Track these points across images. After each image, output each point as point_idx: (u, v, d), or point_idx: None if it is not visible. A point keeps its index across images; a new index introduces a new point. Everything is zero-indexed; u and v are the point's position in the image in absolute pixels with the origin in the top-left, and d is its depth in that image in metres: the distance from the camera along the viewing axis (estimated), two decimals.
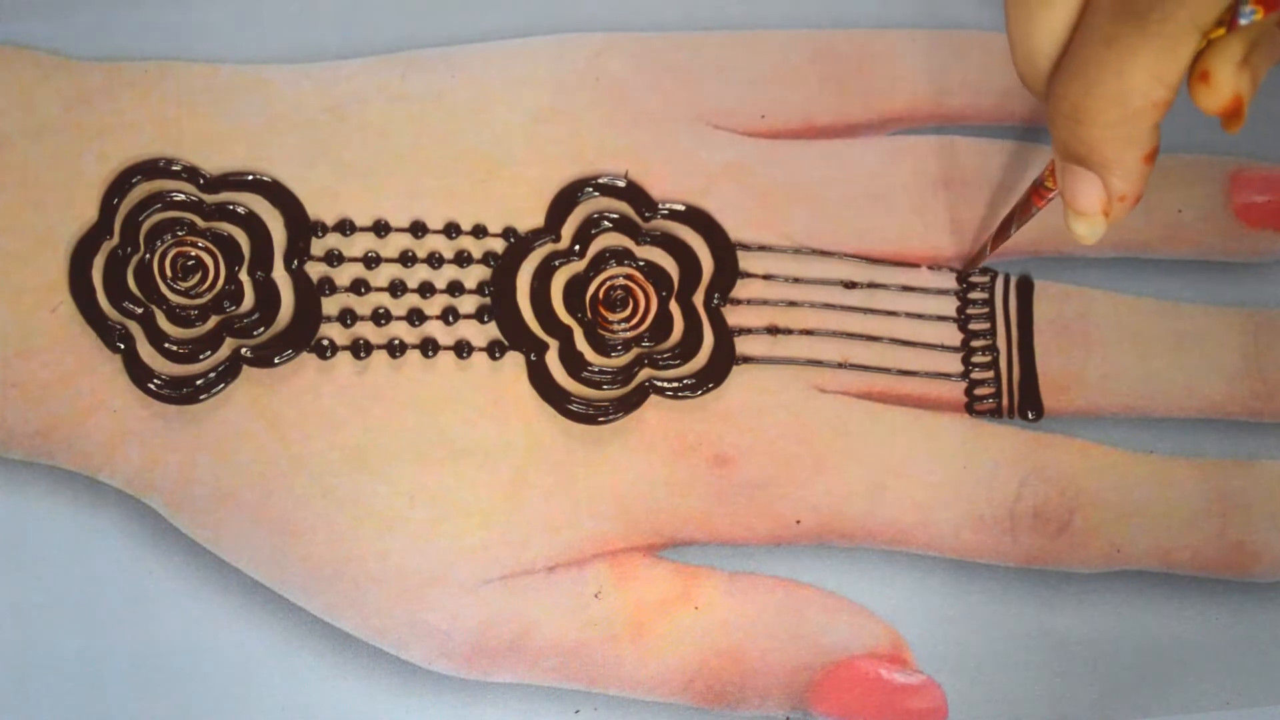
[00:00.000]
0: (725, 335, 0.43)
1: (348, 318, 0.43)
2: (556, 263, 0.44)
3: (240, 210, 0.44)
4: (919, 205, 0.45)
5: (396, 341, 0.43)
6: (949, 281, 0.45)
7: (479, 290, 0.44)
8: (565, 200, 0.44)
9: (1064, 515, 0.43)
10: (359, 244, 0.44)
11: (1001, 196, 0.45)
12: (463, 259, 0.44)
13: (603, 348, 0.43)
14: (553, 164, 0.45)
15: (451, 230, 0.44)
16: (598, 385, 0.43)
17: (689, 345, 0.43)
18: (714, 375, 0.43)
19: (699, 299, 0.44)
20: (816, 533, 0.42)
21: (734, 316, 0.44)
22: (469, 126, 0.45)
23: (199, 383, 0.42)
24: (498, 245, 0.44)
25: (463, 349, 0.43)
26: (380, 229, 0.44)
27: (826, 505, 0.42)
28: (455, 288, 0.44)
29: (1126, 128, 0.32)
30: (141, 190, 0.44)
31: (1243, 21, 0.30)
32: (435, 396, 0.43)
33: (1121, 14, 0.31)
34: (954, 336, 0.44)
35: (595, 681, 0.41)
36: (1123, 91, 0.31)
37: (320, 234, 0.44)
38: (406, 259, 0.44)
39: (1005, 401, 0.44)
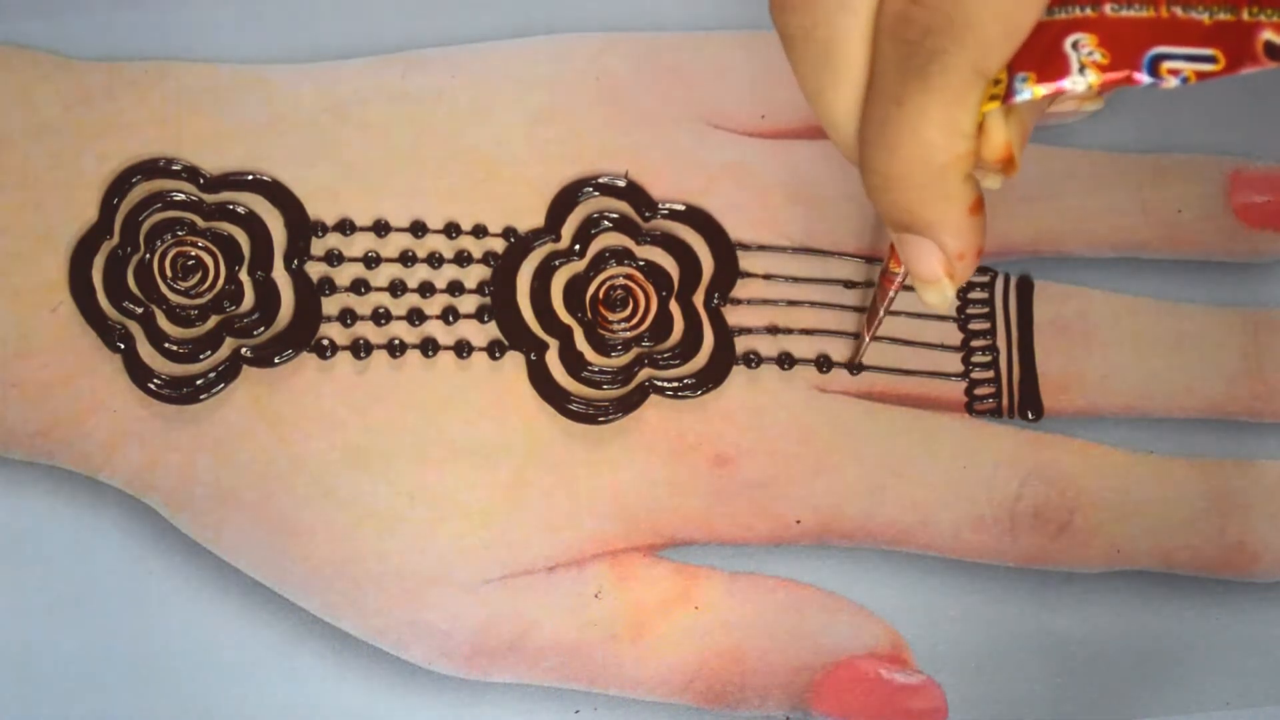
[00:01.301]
0: (725, 335, 0.44)
1: (348, 318, 0.43)
2: (556, 262, 0.44)
3: (240, 210, 0.44)
4: None
5: (396, 341, 0.43)
6: None
7: (479, 290, 0.44)
8: (565, 200, 0.44)
9: (1064, 515, 0.43)
10: (359, 244, 0.44)
11: (1000, 196, 0.45)
12: (463, 259, 0.44)
13: (603, 347, 0.43)
14: (553, 164, 0.45)
15: (451, 230, 0.44)
16: (598, 385, 0.43)
17: (689, 345, 0.43)
18: (714, 375, 0.43)
19: (699, 299, 0.44)
20: (817, 533, 0.42)
21: (734, 316, 0.44)
22: (469, 126, 0.45)
23: (199, 383, 0.42)
24: (498, 245, 0.44)
25: (463, 349, 0.43)
26: (380, 229, 0.44)
27: (826, 505, 0.42)
28: (455, 287, 0.44)
29: (938, 186, 0.31)
30: (141, 190, 0.44)
31: (1018, 99, 0.29)
32: (435, 396, 0.43)
33: (904, 73, 0.30)
34: (954, 336, 0.44)
35: (595, 681, 0.41)
36: (923, 150, 0.30)
37: (320, 234, 0.44)
38: (406, 259, 0.44)
39: (1005, 401, 0.44)
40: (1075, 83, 0.29)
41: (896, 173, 0.31)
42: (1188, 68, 0.29)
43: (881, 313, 0.40)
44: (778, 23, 0.32)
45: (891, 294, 0.39)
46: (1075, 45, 0.29)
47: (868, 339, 0.42)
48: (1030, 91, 0.29)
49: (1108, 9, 0.29)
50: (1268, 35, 0.28)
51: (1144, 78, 0.29)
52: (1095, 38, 0.29)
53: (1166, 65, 0.29)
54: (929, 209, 0.31)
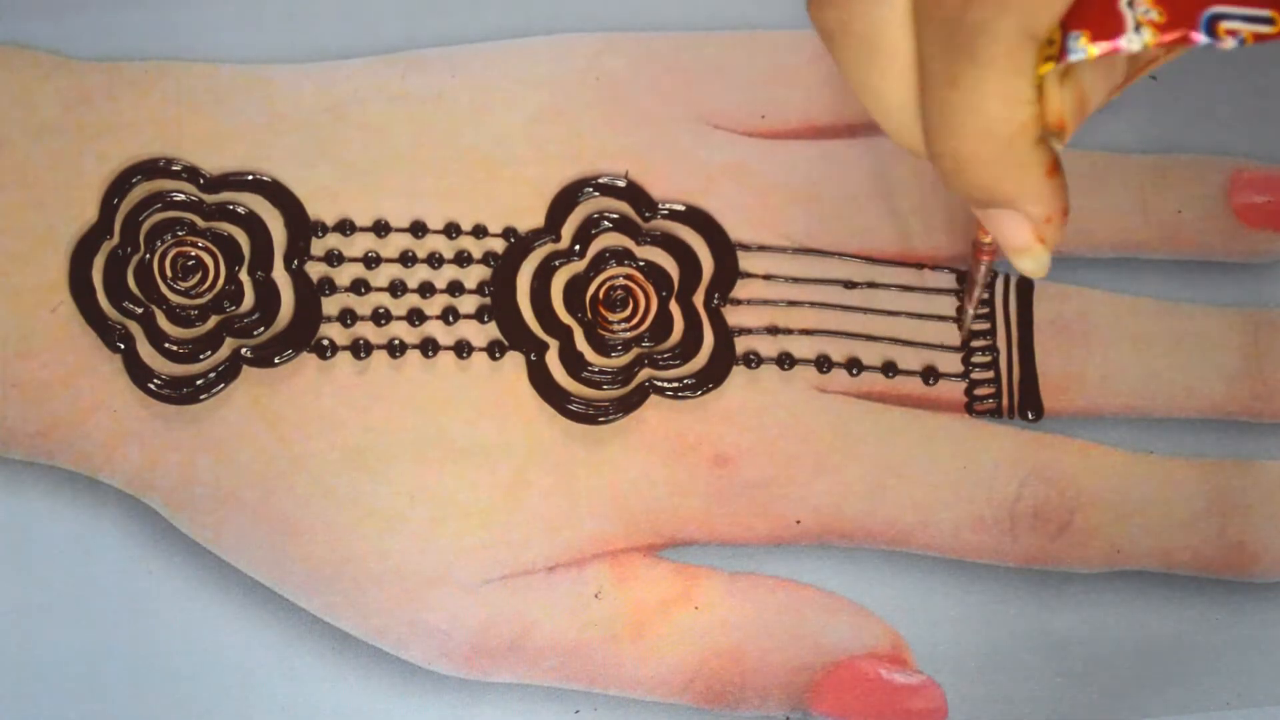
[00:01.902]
0: (725, 335, 0.43)
1: (348, 318, 0.43)
2: (556, 263, 0.44)
3: (240, 210, 0.44)
4: (919, 205, 0.45)
5: (396, 341, 0.43)
6: (949, 281, 0.45)
7: (479, 290, 0.44)
8: (565, 200, 0.44)
9: (1064, 515, 0.42)
10: (359, 244, 0.44)
11: None
12: (463, 259, 0.44)
13: (603, 348, 0.43)
14: (553, 164, 0.45)
15: (451, 230, 0.44)
16: (598, 385, 0.43)
17: (689, 345, 0.43)
18: (714, 375, 0.43)
19: (699, 299, 0.44)
20: (816, 533, 0.42)
21: (734, 316, 0.44)
22: (469, 126, 0.45)
23: (199, 383, 0.42)
24: (498, 245, 0.44)
25: (463, 349, 0.43)
26: (380, 229, 0.44)
27: (826, 505, 0.42)
28: (455, 288, 0.44)
29: (1010, 157, 0.30)
30: (141, 190, 0.44)
31: (1072, 59, 0.29)
32: (435, 396, 0.43)
33: (951, 52, 0.29)
34: (954, 336, 0.44)
35: (595, 682, 0.41)
36: (987, 126, 0.29)
37: (320, 234, 0.44)
38: (406, 259, 0.44)
39: (1005, 402, 0.44)
40: (1131, 41, 0.28)
41: (966, 153, 0.30)
42: (1245, 28, 0.28)
43: (979, 285, 0.41)
44: (815, 20, 0.31)
45: (985, 265, 0.39)
46: (1131, 3, 0.29)
47: (971, 311, 0.42)
48: (1084, 51, 0.29)
49: None
50: None
51: (1201, 37, 0.28)
52: None
53: (1224, 25, 0.28)
54: (1006, 182, 0.31)
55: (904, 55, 0.31)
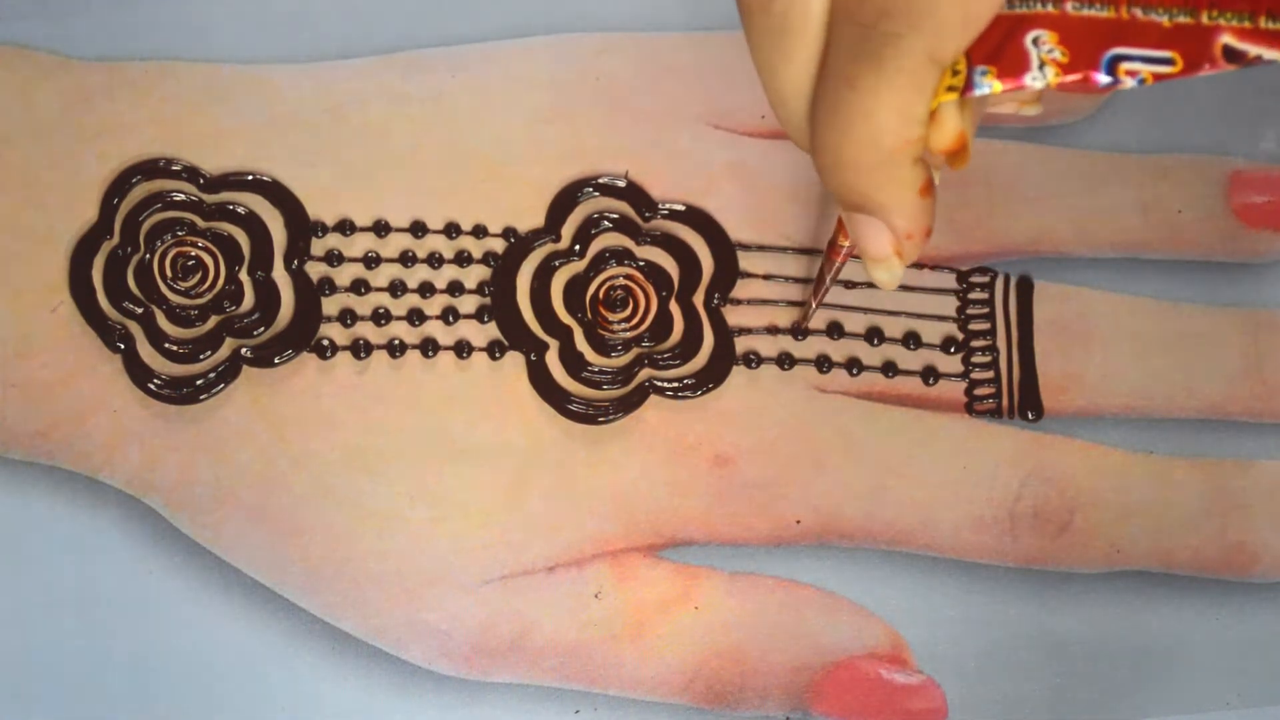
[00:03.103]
0: (725, 335, 0.44)
1: (348, 318, 0.43)
2: (556, 263, 0.44)
3: (240, 210, 0.44)
4: None
5: (396, 341, 0.43)
6: (949, 281, 0.45)
7: (479, 290, 0.44)
8: (565, 200, 0.44)
9: (1064, 515, 0.43)
10: (359, 244, 0.44)
11: (1001, 196, 0.45)
12: (463, 259, 0.44)
13: (603, 348, 0.43)
14: (553, 164, 0.45)
15: (451, 230, 0.44)
16: (598, 385, 0.43)
17: (689, 345, 0.43)
18: (714, 375, 0.43)
19: (699, 299, 0.44)
20: (816, 533, 0.42)
21: (734, 316, 0.44)
22: (469, 127, 0.45)
23: (199, 383, 0.42)
24: (498, 245, 0.44)
25: (463, 349, 0.43)
26: (380, 229, 0.44)
27: (826, 505, 0.42)
28: (455, 288, 0.44)
29: (889, 170, 0.30)
30: (141, 190, 0.44)
31: (977, 93, 0.29)
32: (435, 396, 0.43)
33: (859, 54, 0.29)
34: (954, 337, 0.44)
35: (595, 682, 0.41)
36: (874, 134, 0.30)
37: (320, 234, 0.44)
38: (406, 259, 0.44)
39: (1005, 402, 0.44)
40: (1035, 79, 0.29)
41: (847, 155, 0.30)
42: (1145, 69, 0.29)
43: (828, 282, 0.40)
44: None
45: (838, 264, 0.39)
46: (1036, 41, 0.29)
47: (814, 306, 0.42)
48: (990, 86, 0.29)
49: (1069, 7, 0.29)
50: (1226, 39, 0.29)
51: (1102, 78, 0.29)
52: (1056, 35, 0.29)
53: (1125, 66, 0.29)
54: (879, 191, 0.31)
55: (813, 44, 0.31)
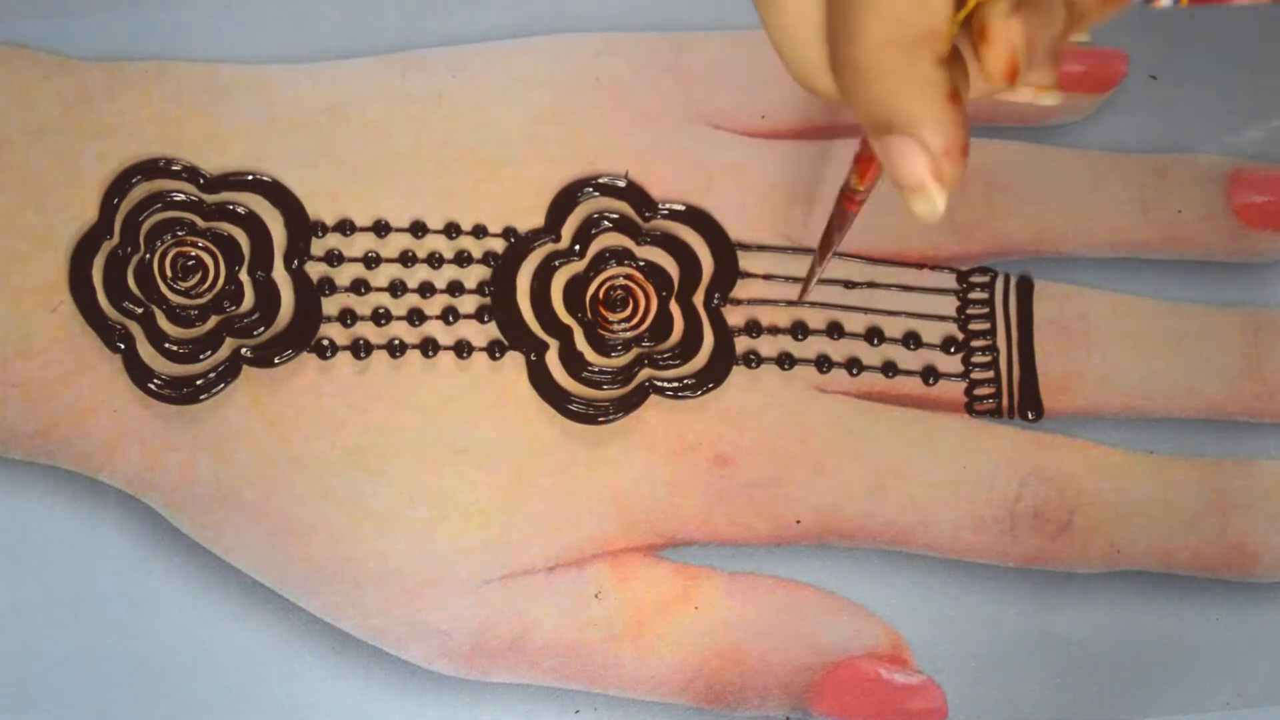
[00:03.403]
0: (725, 335, 0.43)
1: (348, 318, 0.43)
2: (556, 263, 0.44)
3: (240, 210, 0.44)
4: None
5: (396, 341, 0.43)
6: (949, 281, 0.45)
7: (479, 290, 0.44)
8: (565, 200, 0.44)
9: (1064, 515, 0.42)
10: (359, 244, 0.44)
11: (1001, 196, 0.45)
12: (463, 259, 0.44)
13: (603, 348, 0.43)
14: (553, 164, 0.45)
15: (451, 230, 0.44)
16: (598, 385, 0.43)
17: (689, 345, 0.43)
18: (714, 375, 0.43)
19: (699, 299, 0.44)
20: (816, 533, 0.42)
21: (734, 316, 0.44)
22: (469, 127, 0.45)
23: (199, 383, 0.42)
24: (498, 245, 0.44)
25: (463, 349, 0.43)
26: (380, 229, 0.44)
27: (826, 505, 0.42)
28: (455, 288, 0.44)
29: (913, 69, 0.28)
30: (141, 190, 0.44)
31: None
32: (435, 396, 0.43)
33: None
34: (955, 337, 0.44)
35: (595, 681, 0.41)
36: (891, 28, 0.28)
37: (320, 234, 0.44)
38: (406, 259, 0.44)
39: (1005, 401, 0.44)
40: None
41: (867, 59, 0.29)
42: None
43: (836, 240, 0.38)
44: None
45: (851, 216, 0.36)
46: None
47: (819, 269, 0.40)
48: None
49: None
50: None
51: None
52: None
53: None
54: (905, 98, 0.29)
55: None
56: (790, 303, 0.44)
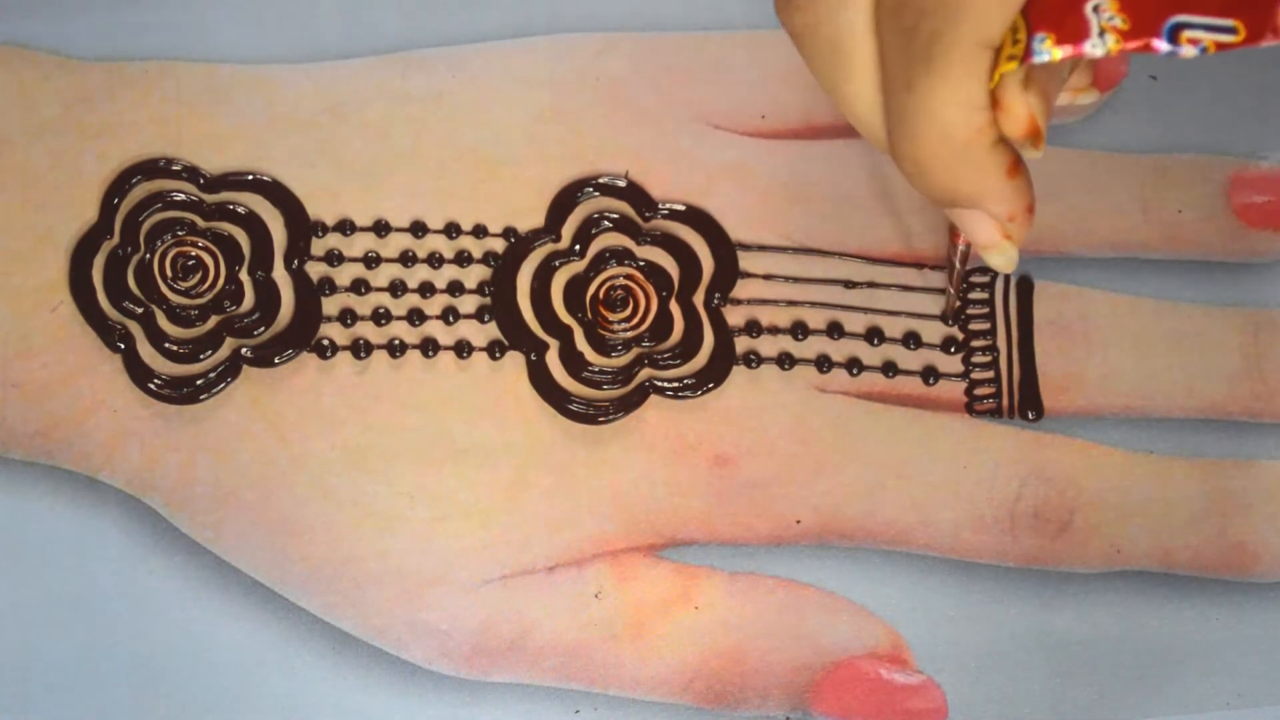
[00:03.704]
0: (725, 335, 0.44)
1: (348, 317, 0.43)
2: (557, 263, 0.44)
3: (240, 210, 0.44)
4: (919, 205, 0.45)
5: (397, 341, 0.43)
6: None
7: (479, 290, 0.44)
8: (565, 200, 0.44)
9: (1064, 515, 0.42)
10: (359, 244, 0.44)
11: None
12: (463, 259, 0.44)
13: (603, 348, 0.43)
14: (553, 164, 0.45)
15: (452, 230, 0.44)
16: (598, 385, 0.43)
17: (689, 345, 0.43)
18: (714, 375, 0.43)
19: (699, 299, 0.44)
20: (817, 533, 0.42)
21: (734, 316, 0.44)
22: (469, 126, 0.45)
23: (199, 382, 0.42)
24: (498, 245, 0.44)
25: (463, 349, 0.43)
26: (380, 229, 0.44)
27: (827, 505, 0.42)
28: (455, 288, 0.44)
29: (968, 161, 0.31)
30: (142, 190, 0.44)
31: (1036, 60, 0.29)
32: (435, 396, 0.43)
33: (908, 59, 0.30)
34: (955, 337, 0.44)
35: (595, 682, 0.41)
36: (943, 130, 0.30)
37: (320, 234, 0.44)
38: (407, 259, 0.44)
39: (1005, 401, 0.44)
40: (1095, 46, 0.29)
41: (924, 156, 0.31)
42: (1208, 38, 0.29)
43: (958, 266, 0.41)
44: (784, 23, 0.32)
45: (961, 248, 0.40)
46: (1096, 9, 0.29)
47: (953, 292, 0.43)
48: (1049, 53, 0.29)
49: None
50: None
51: (1163, 45, 0.29)
52: (1116, 3, 0.29)
53: (1186, 34, 0.29)
54: (965, 183, 0.32)
55: (868, 58, 0.31)
56: (791, 302, 0.44)
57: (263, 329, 0.43)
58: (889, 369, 0.44)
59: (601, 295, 0.44)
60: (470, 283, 0.44)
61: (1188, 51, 0.29)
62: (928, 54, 0.30)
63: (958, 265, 0.41)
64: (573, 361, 0.43)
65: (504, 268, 0.44)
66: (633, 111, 0.45)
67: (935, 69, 0.30)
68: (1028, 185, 0.33)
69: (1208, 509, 0.43)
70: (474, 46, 0.46)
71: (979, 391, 0.44)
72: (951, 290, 0.43)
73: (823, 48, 0.32)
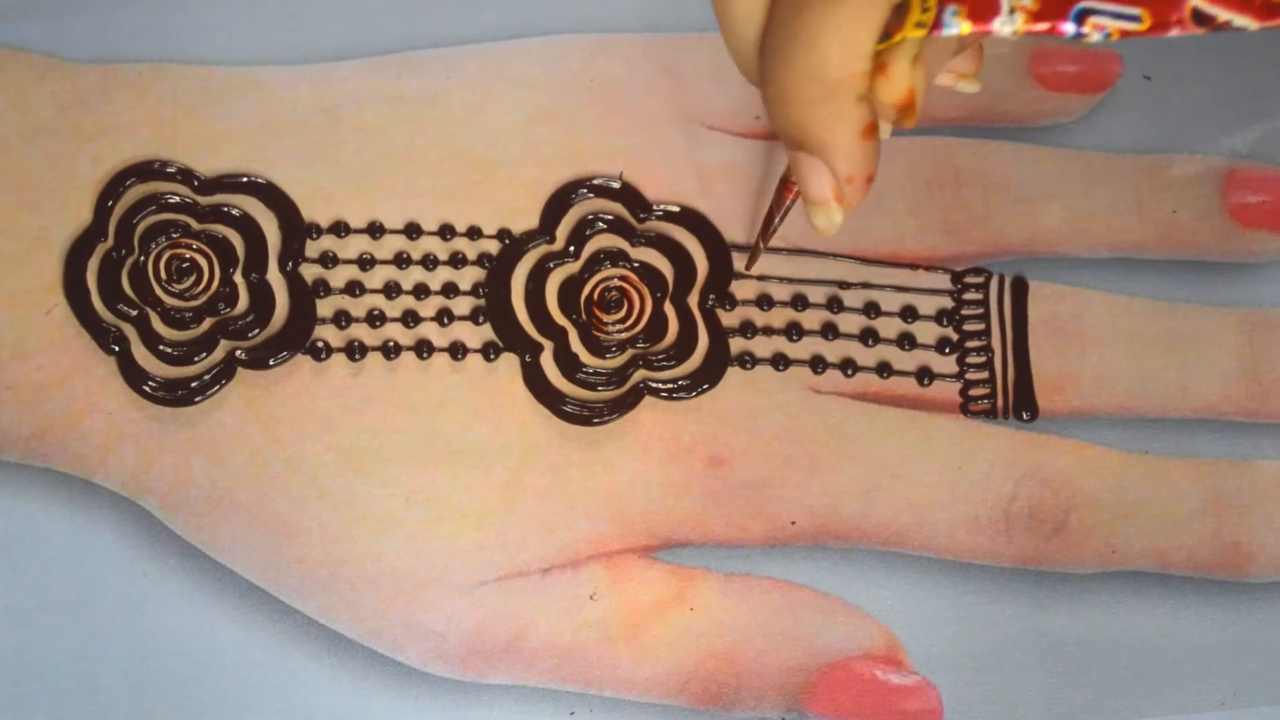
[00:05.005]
0: (720, 336, 0.44)
1: (342, 319, 0.43)
2: (551, 264, 0.44)
3: (235, 212, 0.44)
4: (914, 206, 0.45)
5: (391, 343, 0.43)
6: (944, 282, 0.45)
7: (474, 292, 0.44)
8: (560, 201, 0.44)
9: (1059, 516, 0.42)
10: (353, 246, 0.44)
11: (995, 196, 0.45)
12: (457, 260, 0.44)
13: (597, 349, 0.43)
14: (548, 165, 0.45)
15: (446, 232, 0.44)
16: (592, 387, 0.43)
17: (684, 346, 0.43)
18: (709, 376, 0.43)
19: (694, 300, 0.44)
20: (812, 534, 0.42)
21: (728, 317, 0.44)
22: (464, 128, 0.45)
23: (194, 385, 0.42)
24: (492, 247, 0.44)
25: (457, 350, 0.43)
26: (375, 231, 0.44)
27: (821, 506, 0.42)
28: (450, 289, 0.44)
29: (831, 104, 0.30)
30: (136, 192, 0.44)
31: (945, 32, 0.29)
32: (430, 398, 0.43)
33: None
34: (951, 338, 0.44)
35: (591, 683, 0.41)
36: (818, 65, 0.30)
37: (315, 236, 0.44)
38: (401, 260, 0.44)
39: (1000, 402, 0.44)
40: (1004, 24, 0.29)
41: (791, 86, 0.31)
42: (1112, 24, 0.29)
43: (777, 221, 0.40)
44: None
45: (789, 203, 0.39)
46: None
47: (762, 247, 0.42)
48: (959, 26, 0.29)
49: None
50: (1196, 1, 0.29)
51: (1069, 28, 0.29)
52: None
53: (1093, 20, 0.29)
54: (819, 127, 0.31)
55: None
56: (787, 302, 0.44)
57: (257, 331, 0.43)
58: (884, 370, 0.44)
59: (596, 296, 0.44)
60: (465, 284, 0.44)
61: (1092, 37, 0.29)
62: None
63: (776, 220, 0.40)
64: (567, 363, 0.43)
65: (498, 269, 0.44)
66: (627, 113, 0.45)
67: (831, 1, 0.29)
68: (875, 154, 0.32)
69: (1203, 509, 0.43)
70: (469, 48, 0.46)
71: (974, 392, 0.44)
72: (761, 246, 0.42)
73: None
